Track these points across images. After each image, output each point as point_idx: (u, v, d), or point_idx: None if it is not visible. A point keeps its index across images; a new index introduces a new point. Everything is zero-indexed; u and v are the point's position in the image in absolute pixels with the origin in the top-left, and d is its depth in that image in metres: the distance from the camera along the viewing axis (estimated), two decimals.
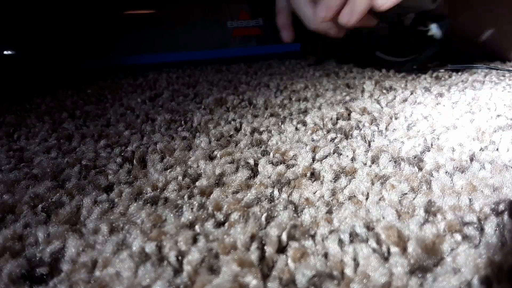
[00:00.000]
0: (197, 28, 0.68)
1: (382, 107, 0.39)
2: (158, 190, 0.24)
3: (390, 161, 0.26)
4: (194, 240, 0.19)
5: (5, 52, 0.59)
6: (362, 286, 0.16)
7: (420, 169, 0.26)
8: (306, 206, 0.22)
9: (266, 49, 0.70)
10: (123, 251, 0.18)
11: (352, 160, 0.27)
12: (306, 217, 0.21)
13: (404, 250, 0.18)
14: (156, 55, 0.66)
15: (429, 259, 0.17)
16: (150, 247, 0.18)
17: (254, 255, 0.18)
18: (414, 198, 0.22)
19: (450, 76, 0.51)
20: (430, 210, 0.21)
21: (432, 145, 0.29)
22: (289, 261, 0.17)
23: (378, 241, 0.18)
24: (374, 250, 0.18)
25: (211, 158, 0.29)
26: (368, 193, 0.23)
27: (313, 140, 0.31)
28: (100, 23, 0.65)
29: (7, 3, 0.58)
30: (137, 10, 0.66)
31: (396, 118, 0.35)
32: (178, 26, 0.67)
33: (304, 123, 0.35)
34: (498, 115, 0.34)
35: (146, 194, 0.24)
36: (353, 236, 0.19)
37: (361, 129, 0.33)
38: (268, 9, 0.70)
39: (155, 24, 0.67)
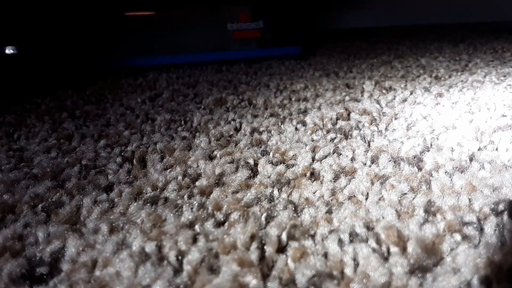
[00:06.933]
0: (198, 31, 0.68)
1: (381, 107, 0.39)
2: (158, 190, 0.24)
3: (390, 161, 0.26)
4: (194, 240, 0.19)
5: (6, 51, 0.59)
6: (362, 286, 0.16)
7: (420, 169, 0.26)
8: (306, 206, 0.22)
9: (266, 52, 0.70)
10: (123, 251, 0.18)
11: (351, 160, 0.27)
12: (306, 217, 0.21)
13: (404, 250, 0.18)
14: (157, 57, 0.66)
15: (429, 259, 0.17)
16: (150, 247, 0.18)
17: (254, 255, 0.18)
18: (413, 198, 0.22)
19: (450, 76, 0.51)
20: (430, 210, 0.21)
21: (431, 145, 0.29)
22: (289, 261, 0.17)
23: (378, 241, 0.18)
24: (374, 250, 0.18)
25: (211, 158, 0.29)
26: (367, 193, 0.23)
27: (312, 140, 0.31)
28: (101, 25, 0.65)
29: (8, 3, 0.58)
30: (138, 12, 0.66)
31: (395, 118, 0.35)
32: (179, 29, 0.67)
33: (304, 123, 0.35)
34: (498, 115, 0.34)
35: (146, 194, 0.24)
36: (353, 236, 0.19)
37: (360, 129, 0.33)
38: (268, 12, 0.70)
39: (156, 26, 0.67)
